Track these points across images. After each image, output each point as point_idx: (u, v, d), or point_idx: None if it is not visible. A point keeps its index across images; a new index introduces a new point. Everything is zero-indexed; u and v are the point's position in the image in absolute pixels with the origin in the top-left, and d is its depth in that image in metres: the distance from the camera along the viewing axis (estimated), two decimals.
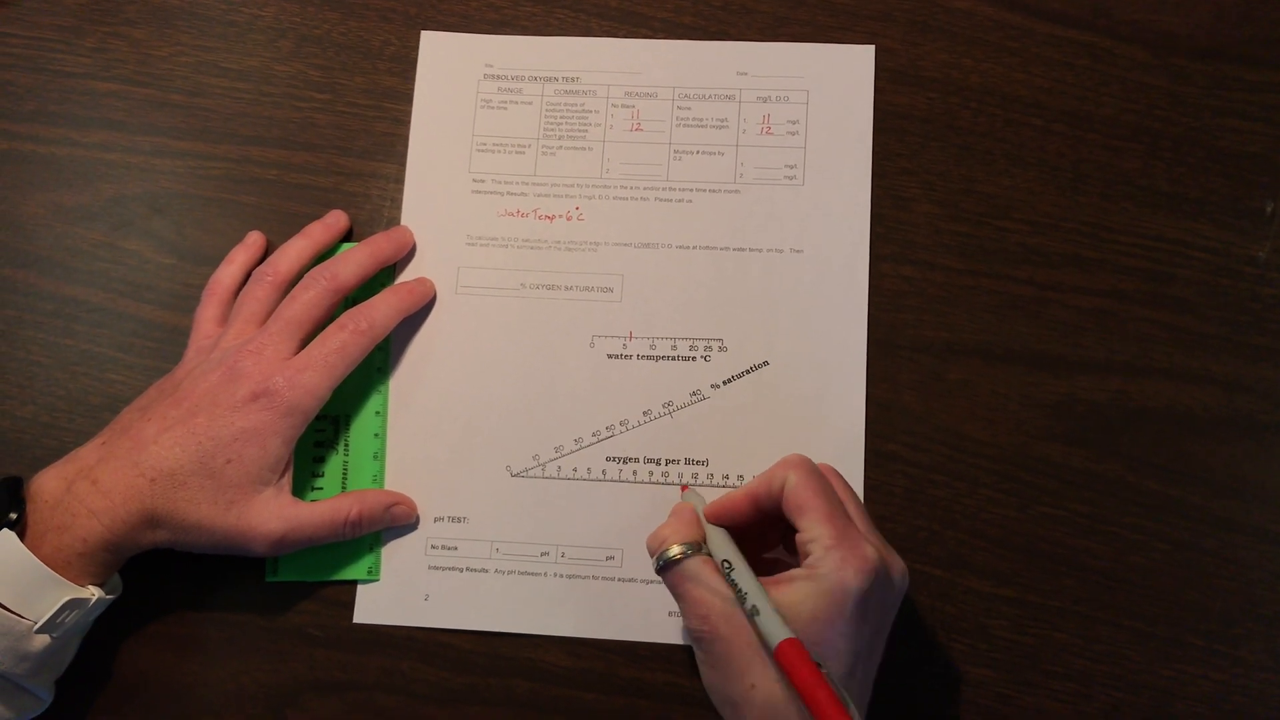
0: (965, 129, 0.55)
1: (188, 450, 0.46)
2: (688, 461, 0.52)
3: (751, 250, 0.54)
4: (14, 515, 0.44)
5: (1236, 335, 0.53)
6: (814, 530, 0.42)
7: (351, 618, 0.52)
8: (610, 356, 0.54)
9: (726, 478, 0.52)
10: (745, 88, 0.56)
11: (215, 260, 0.55)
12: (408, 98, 0.57)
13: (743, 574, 0.42)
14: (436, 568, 0.52)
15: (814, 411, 0.52)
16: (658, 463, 0.52)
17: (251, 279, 0.52)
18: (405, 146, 0.56)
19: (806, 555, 0.42)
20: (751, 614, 0.41)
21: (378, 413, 0.53)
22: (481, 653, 0.51)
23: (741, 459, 0.52)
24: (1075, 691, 0.50)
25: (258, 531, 0.48)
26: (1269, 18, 0.56)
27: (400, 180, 0.56)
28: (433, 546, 0.52)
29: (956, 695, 0.50)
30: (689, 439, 0.53)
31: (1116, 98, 0.55)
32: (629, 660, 0.51)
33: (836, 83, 0.56)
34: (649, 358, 0.54)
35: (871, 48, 0.56)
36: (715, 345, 0.53)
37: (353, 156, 0.56)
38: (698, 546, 0.44)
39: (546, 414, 0.53)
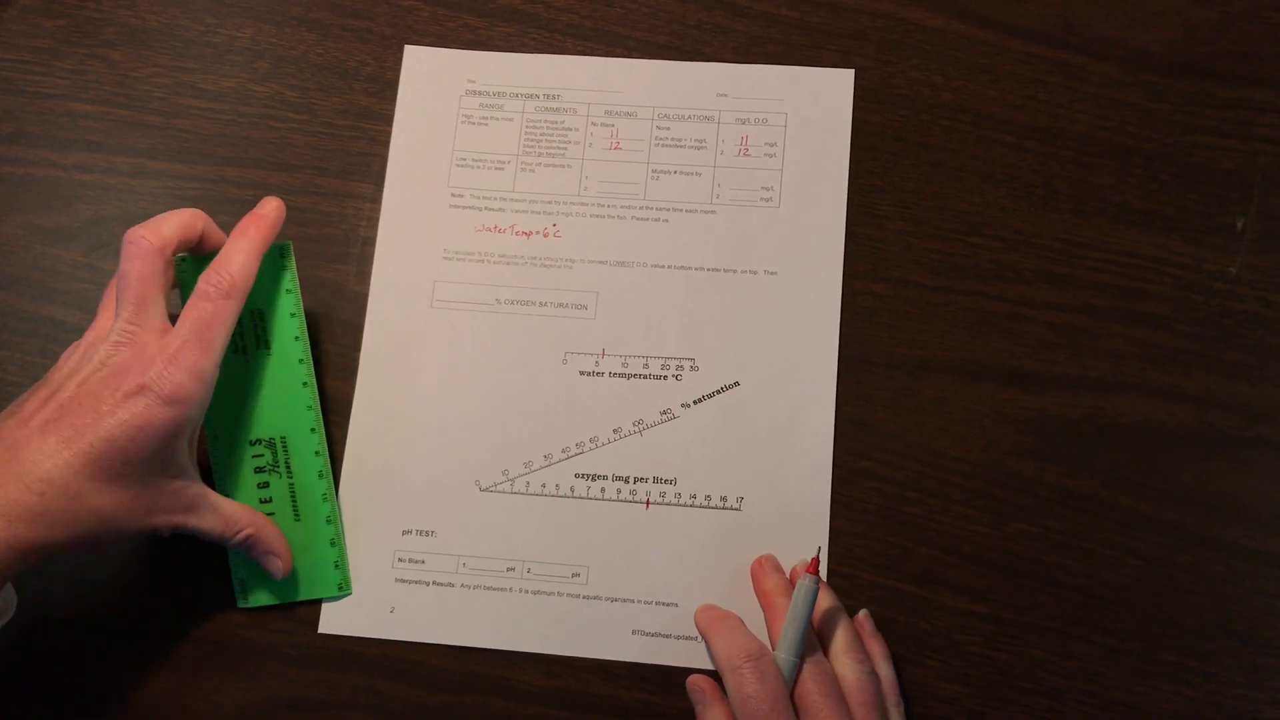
0: (937, 146, 0.55)
1: (75, 451, 0.42)
2: (656, 480, 0.52)
3: (726, 271, 0.55)
4: None
5: (1209, 351, 0.53)
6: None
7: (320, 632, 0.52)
8: (582, 373, 0.54)
9: (694, 497, 0.52)
10: (724, 109, 0.57)
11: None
12: (384, 118, 0.57)
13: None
14: (403, 581, 0.52)
15: (783, 432, 0.53)
16: (626, 480, 0.53)
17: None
18: (382, 166, 0.57)
19: None
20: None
21: (313, 429, 0.52)
22: (455, 670, 0.51)
23: (709, 478, 0.52)
24: (1049, 708, 0.50)
25: (163, 523, 0.45)
26: (1241, 34, 0.56)
27: (376, 200, 0.56)
28: (400, 560, 0.52)
29: (930, 712, 0.50)
30: (658, 457, 0.53)
31: (1089, 114, 0.55)
32: (603, 679, 0.51)
33: (815, 106, 0.56)
34: (621, 375, 0.54)
35: (851, 72, 0.56)
36: (687, 365, 0.54)
37: (329, 176, 0.57)
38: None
39: (517, 429, 0.53)
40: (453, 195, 0.56)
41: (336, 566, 0.52)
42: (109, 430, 0.43)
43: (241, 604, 0.52)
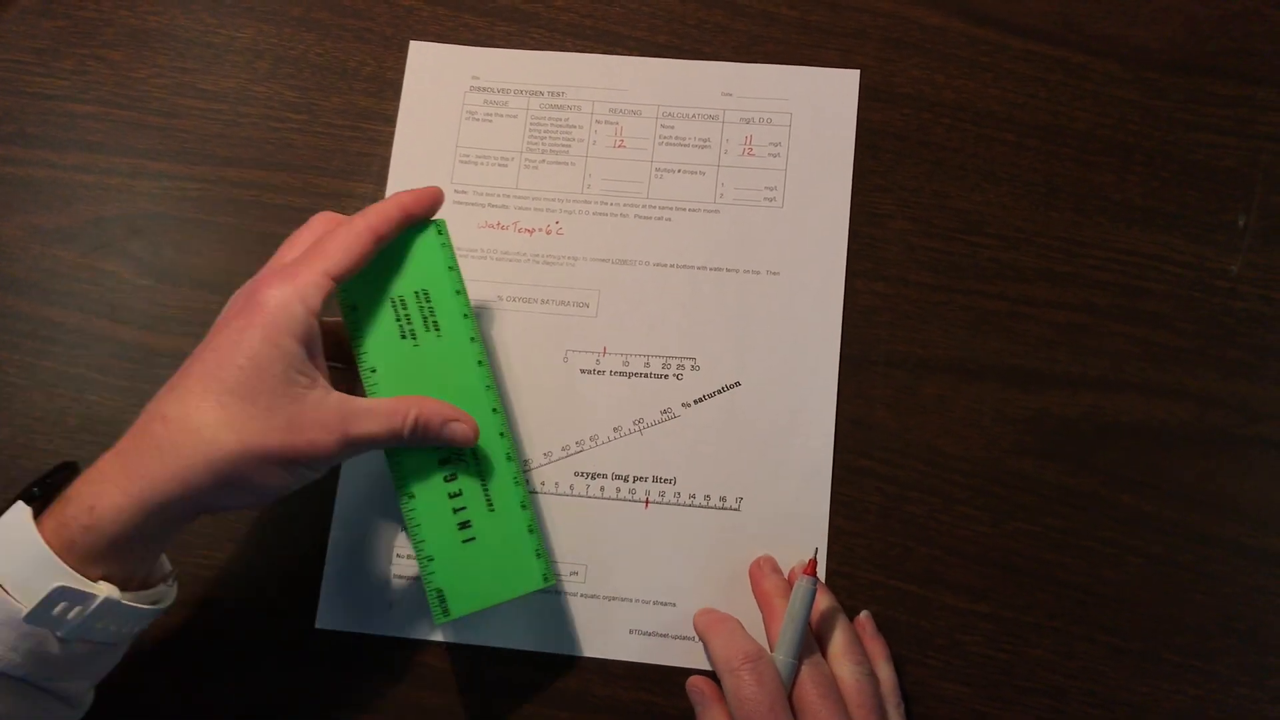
0: (938, 145, 0.55)
1: (193, 375, 0.41)
2: (656, 479, 0.52)
3: (728, 271, 0.55)
4: (36, 490, 0.40)
5: (1210, 349, 0.53)
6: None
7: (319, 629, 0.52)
8: (583, 371, 0.54)
9: (694, 496, 0.52)
10: (729, 108, 0.57)
11: (193, 281, 0.55)
12: (384, 118, 0.57)
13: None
14: (401, 576, 0.52)
15: (783, 433, 0.53)
16: (626, 479, 0.53)
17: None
18: (382, 166, 0.57)
19: None
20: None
21: (494, 409, 0.48)
22: (454, 670, 0.51)
23: (709, 478, 0.52)
24: (1050, 707, 0.50)
25: (316, 442, 0.42)
26: (1241, 31, 0.56)
27: (377, 200, 0.56)
28: (398, 555, 0.52)
29: (931, 712, 0.50)
30: (658, 456, 0.53)
31: (1089, 112, 0.55)
32: (603, 679, 0.51)
33: (820, 106, 0.56)
34: (622, 374, 0.54)
35: (856, 72, 0.56)
36: (688, 364, 0.54)
37: (329, 176, 0.57)
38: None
39: (517, 427, 0.53)
40: (455, 191, 0.56)
41: (538, 556, 0.47)
42: (220, 342, 0.42)
43: (441, 619, 0.46)
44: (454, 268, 0.48)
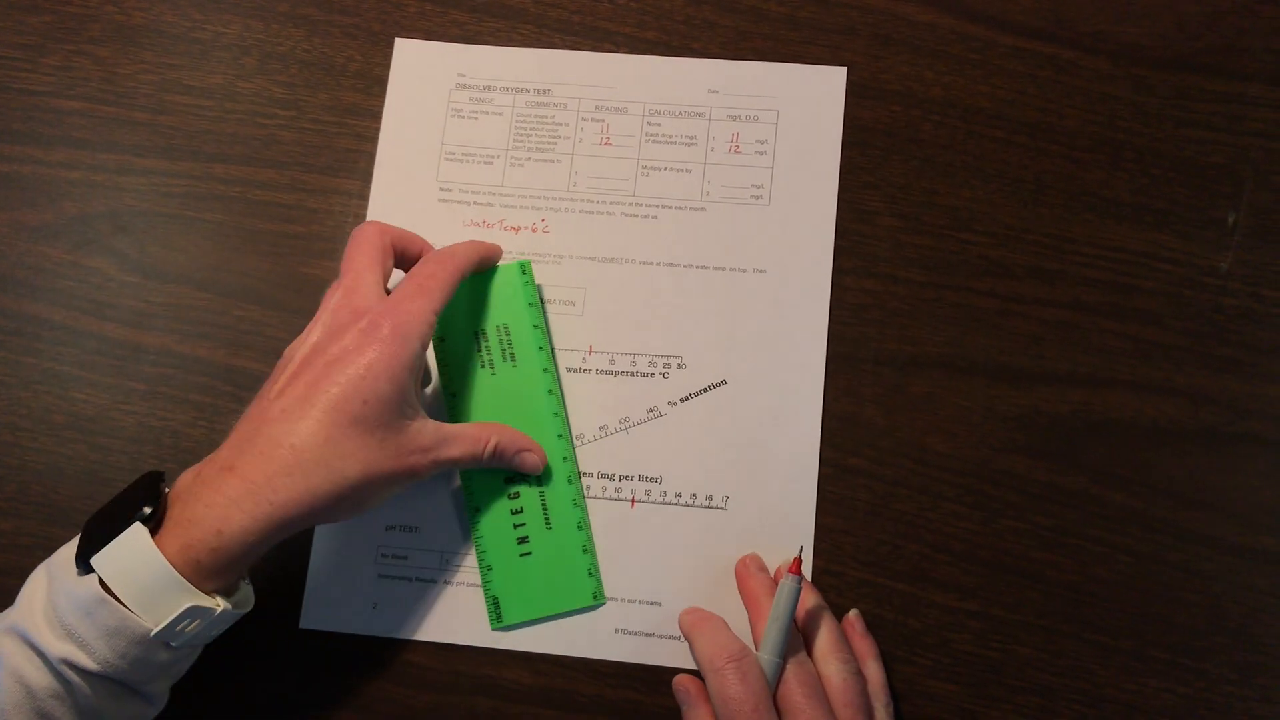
0: (927, 141, 0.55)
1: (319, 405, 0.43)
2: (642, 478, 0.52)
3: (715, 269, 0.54)
4: (148, 509, 0.42)
5: (1199, 346, 0.52)
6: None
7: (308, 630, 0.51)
8: (570, 370, 0.54)
9: (680, 495, 0.52)
10: (715, 105, 0.56)
11: (179, 277, 0.55)
12: (372, 114, 0.57)
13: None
14: (386, 576, 0.52)
15: (770, 432, 0.52)
16: (611, 478, 0.52)
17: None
18: (368, 163, 0.56)
19: None
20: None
21: (560, 435, 0.52)
22: (441, 669, 0.51)
23: (695, 477, 0.52)
24: (1039, 706, 0.50)
25: (415, 465, 0.46)
26: (1231, 28, 0.56)
27: (364, 196, 0.56)
28: (383, 555, 0.52)
29: (920, 711, 0.50)
30: (644, 455, 0.52)
31: (1079, 109, 0.55)
32: (590, 677, 0.51)
33: (807, 104, 0.56)
34: (608, 373, 0.53)
35: (843, 69, 0.56)
36: (675, 362, 0.53)
37: (316, 173, 0.56)
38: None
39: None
40: (441, 189, 0.56)
41: (590, 574, 0.51)
42: (342, 376, 0.44)
43: (495, 626, 0.51)
44: (534, 304, 0.53)
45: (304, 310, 0.55)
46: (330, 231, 0.56)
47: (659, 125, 0.56)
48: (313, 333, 0.46)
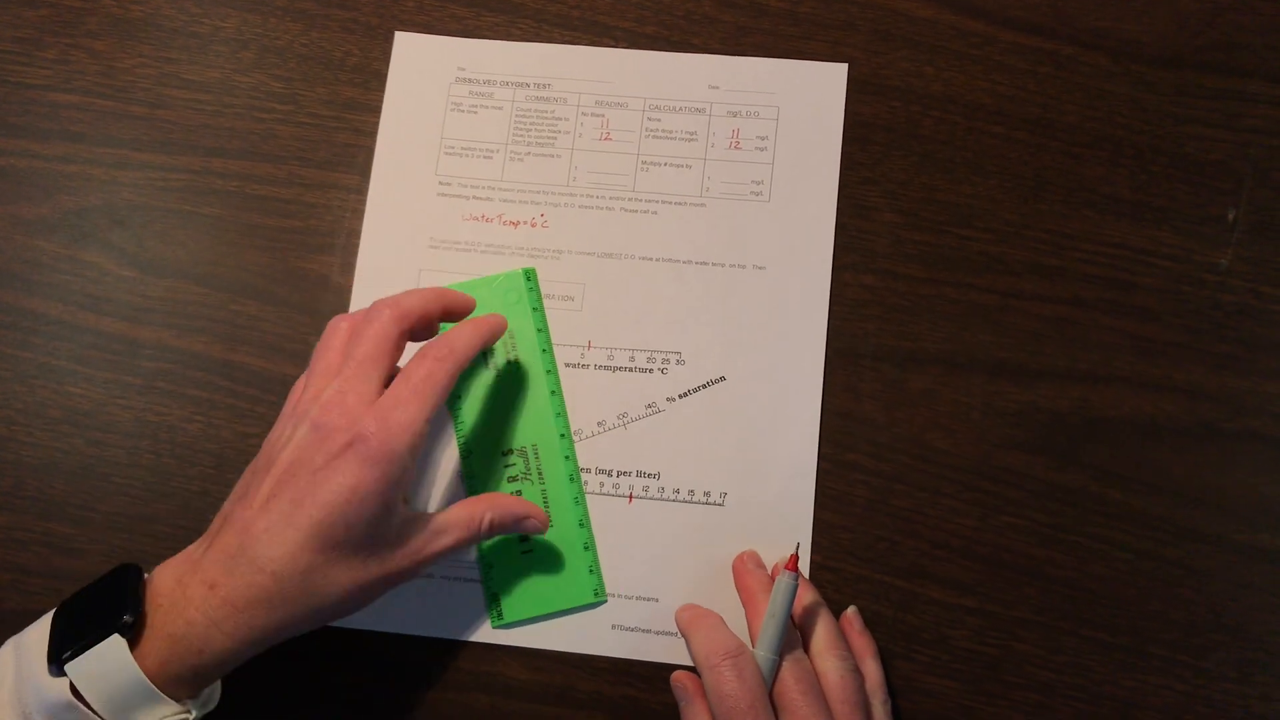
0: (927, 137, 0.55)
1: (300, 528, 0.42)
2: (640, 474, 0.52)
3: (714, 265, 0.54)
4: (129, 619, 0.41)
5: (1198, 343, 0.52)
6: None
7: None
8: (568, 365, 0.53)
9: (677, 491, 0.52)
10: (716, 101, 0.56)
11: (176, 272, 0.55)
12: (370, 108, 0.57)
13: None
14: None
15: (768, 428, 0.52)
16: (609, 474, 0.52)
17: (326, 330, 0.48)
18: (367, 158, 0.56)
19: None
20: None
21: (562, 435, 0.52)
22: (439, 666, 0.51)
23: (693, 473, 0.52)
24: (1038, 702, 0.50)
25: (406, 572, 0.45)
26: (1231, 24, 0.56)
27: (361, 191, 0.56)
28: None
29: (918, 707, 0.50)
30: (642, 451, 0.52)
31: (1079, 105, 0.55)
32: (588, 674, 0.51)
33: (808, 100, 0.56)
34: (606, 368, 0.53)
35: (844, 66, 0.56)
36: (673, 358, 0.53)
37: (313, 167, 0.56)
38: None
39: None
40: (440, 183, 0.56)
41: (591, 572, 0.51)
42: (325, 497, 0.42)
43: (496, 624, 0.51)
44: (538, 309, 0.53)
45: (302, 305, 0.54)
46: (328, 226, 0.55)
47: (659, 120, 0.56)
48: (300, 425, 0.44)
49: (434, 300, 0.48)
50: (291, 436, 0.44)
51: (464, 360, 0.46)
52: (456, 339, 0.47)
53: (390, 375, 0.46)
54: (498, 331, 0.50)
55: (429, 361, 0.45)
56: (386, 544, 0.44)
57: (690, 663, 0.49)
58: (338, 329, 0.47)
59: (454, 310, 0.49)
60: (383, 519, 0.43)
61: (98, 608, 0.42)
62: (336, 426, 0.43)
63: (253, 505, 0.43)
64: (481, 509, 0.47)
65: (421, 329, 0.48)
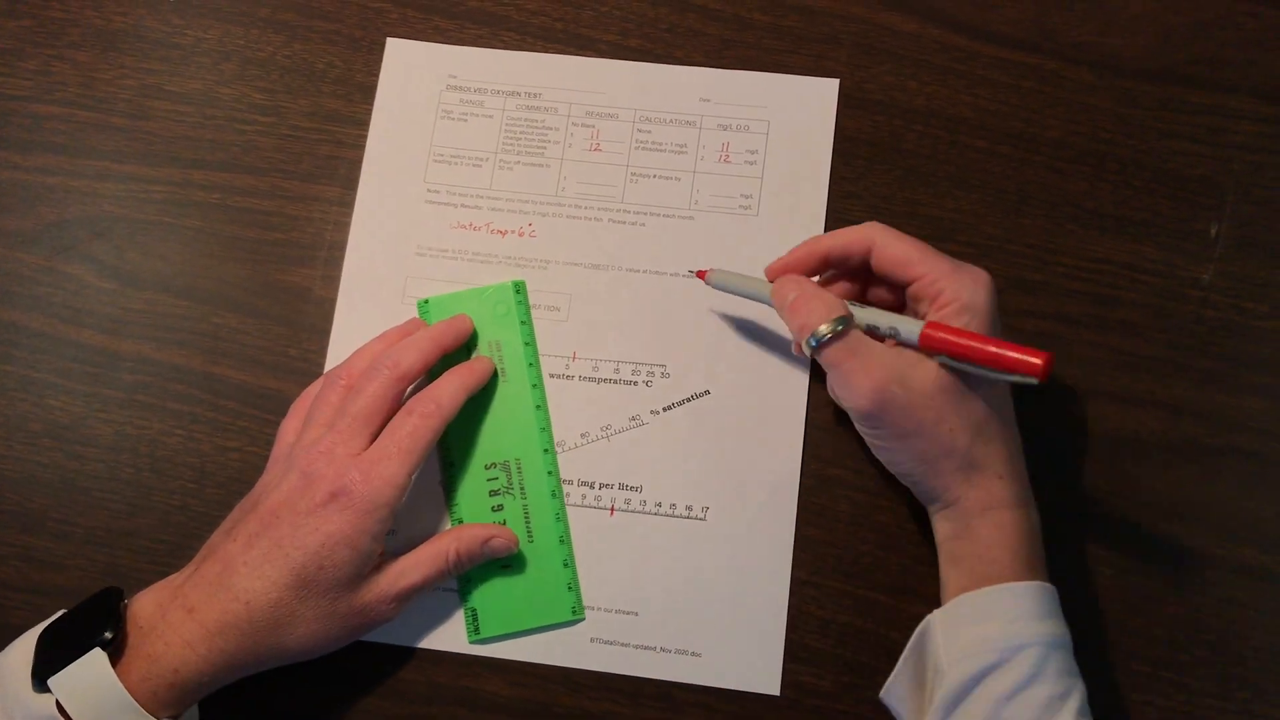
0: (911, 151, 0.55)
1: (278, 566, 0.45)
2: (622, 486, 0.52)
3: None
4: (109, 635, 0.43)
5: (1181, 358, 0.52)
6: (928, 268, 0.46)
7: None
8: (552, 376, 0.53)
9: (660, 505, 0.52)
10: (706, 114, 0.56)
11: (156, 285, 0.55)
12: (352, 120, 0.57)
13: (871, 313, 0.47)
14: None
15: (751, 442, 0.52)
16: (591, 486, 0.52)
17: (324, 383, 0.50)
18: (349, 169, 0.56)
19: (929, 297, 0.46)
20: (896, 335, 0.46)
21: (545, 450, 0.52)
22: (419, 681, 0.51)
23: (676, 487, 0.52)
24: None
25: (374, 613, 0.47)
26: (1215, 40, 0.56)
27: (344, 203, 0.56)
28: None
29: None
30: (624, 464, 0.52)
31: (1062, 120, 0.55)
32: (569, 689, 0.50)
33: (798, 115, 0.56)
34: (591, 380, 0.53)
35: (835, 81, 0.56)
36: (658, 371, 0.53)
37: (296, 179, 0.56)
38: (845, 319, 0.45)
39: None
40: (429, 191, 0.56)
41: (570, 589, 0.51)
42: (306, 542, 0.45)
43: (473, 638, 0.51)
44: (526, 322, 0.53)
45: (283, 318, 0.54)
46: (310, 239, 0.55)
47: (649, 132, 0.56)
48: (291, 471, 0.47)
49: (433, 353, 0.50)
50: (280, 481, 0.47)
51: (450, 415, 0.49)
52: (443, 394, 0.49)
53: (380, 429, 0.48)
54: (483, 379, 0.52)
55: (415, 418, 0.48)
56: (355, 589, 0.47)
57: (668, 677, 0.48)
58: (334, 383, 0.50)
59: (452, 349, 0.52)
60: (356, 564, 0.46)
61: (79, 630, 0.44)
62: (323, 476, 0.46)
63: (237, 541, 0.46)
64: (446, 543, 0.49)
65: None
